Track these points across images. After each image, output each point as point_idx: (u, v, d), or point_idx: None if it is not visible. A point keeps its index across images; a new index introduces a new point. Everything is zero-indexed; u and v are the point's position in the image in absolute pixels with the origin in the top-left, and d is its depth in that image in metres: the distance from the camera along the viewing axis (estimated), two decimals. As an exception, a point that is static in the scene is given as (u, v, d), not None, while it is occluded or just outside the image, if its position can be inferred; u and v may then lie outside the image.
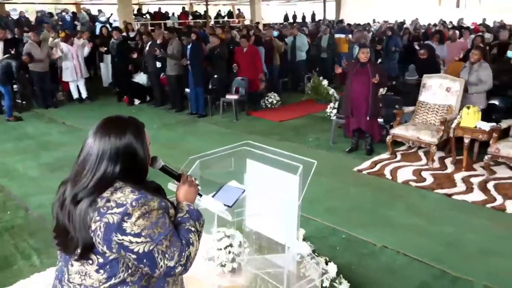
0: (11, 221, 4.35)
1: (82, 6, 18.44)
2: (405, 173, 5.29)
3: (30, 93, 9.44)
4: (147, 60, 9.05)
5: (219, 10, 24.60)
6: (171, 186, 1.90)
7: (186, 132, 7.48)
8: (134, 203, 1.37)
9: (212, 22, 19.81)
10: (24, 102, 9.50)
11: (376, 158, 5.82)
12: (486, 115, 5.50)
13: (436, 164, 5.50)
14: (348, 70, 5.97)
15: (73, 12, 18.08)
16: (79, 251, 1.42)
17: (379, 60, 10.38)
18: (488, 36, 11.30)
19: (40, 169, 5.79)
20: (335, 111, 7.22)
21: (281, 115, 8.33)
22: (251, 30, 12.09)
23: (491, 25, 16.11)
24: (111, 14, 16.63)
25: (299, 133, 7.25)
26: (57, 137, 7.33)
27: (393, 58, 10.27)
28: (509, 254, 3.62)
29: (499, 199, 4.54)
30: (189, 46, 8.03)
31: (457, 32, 9.88)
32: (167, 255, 1.40)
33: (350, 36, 11.17)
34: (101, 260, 1.42)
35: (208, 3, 21.21)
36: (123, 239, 1.36)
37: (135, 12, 18.59)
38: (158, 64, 8.71)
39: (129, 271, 1.44)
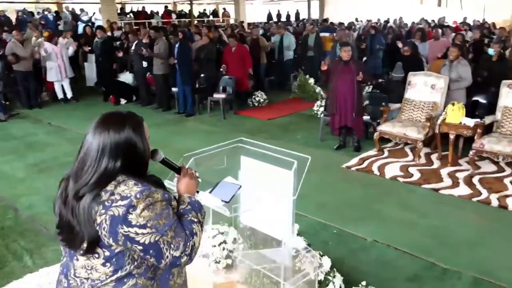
0: (1, 222, 4.30)
1: (65, 5, 18.16)
2: (393, 169, 5.39)
3: (14, 93, 9.31)
4: (134, 60, 9.00)
5: (204, 9, 24.55)
6: (166, 182, 1.93)
7: (175, 131, 7.47)
8: (138, 195, 1.39)
9: (196, 21, 19.75)
10: (7, 103, 9.35)
11: (364, 155, 5.91)
12: (470, 111, 5.64)
13: (423, 160, 5.62)
14: (331, 69, 6.05)
15: (56, 11, 17.84)
16: (85, 245, 1.43)
17: (364, 59, 10.52)
18: (470, 34, 11.51)
19: (28, 170, 5.73)
20: (322, 108, 7.30)
21: (268, 113, 8.38)
22: (236, 29, 12.12)
23: (472, 24, 16.42)
24: (94, 13, 16.46)
25: (287, 131, 7.31)
26: (43, 137, 7.26)
27: (378, 56, 10.40)
28: (495, 246, 3.73)
29: (484, 193, 4.66)
30: (177, 45, 8.01)
31: (440, 30, 10.05)
32: (172, 246, 1.43)
33: (334, 34, 11.27)
34: (107, 253, 1.44)
35: (193, 2, 21.13)
36: (129, 231, 1.38)
37: (118, 11, 18.42)
38: (145, 64, 8.66)
39: (135, 263, 1.47)
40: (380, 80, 8.15)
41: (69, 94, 9.69)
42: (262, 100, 9.02)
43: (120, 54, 9.50)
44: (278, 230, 2.64)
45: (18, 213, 4.50)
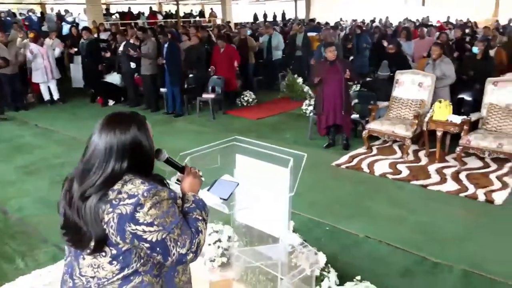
0: (-9, 225, 4.26)
1: (50, 6, 17.94)
2: (382, 166, 5.47)
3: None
4: (122, 60, 8.95)
5: (191, 10, 24.47)
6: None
7: (164, 132, 7.44)
8: (145, 194, 1.41)
9: (181, 22, 19.70)
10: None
11: (353, 152, 5.98)
12: (456, 108, 5.75)
13: (411, 157, 5.71)
14: (318, 70, 6.10)
15: (41, 13, 17.62)
16: (92, 245, 1.44)
17: (351, 58, 10.62)
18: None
19: (16, 172, 5.66)
20: (311, 108, 7.36)
21: (257, 113, 8.41)
22: (223, 30, 12.13)
23: (455, 23, 16.70)
24: (79, 14, 16.30)
25: (276, 130, 7.35)
26: (30, 139, 7.17)
27: (364, 55, 10.51)
28: (483, 240, 3.82)
29: (471, 188, 4.76)
30: (166, 45, 7.99)
31: (425, 29, 10.21)
32: (179, 243, 1.45)
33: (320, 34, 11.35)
34: (114, 251, 1.45)
35: (179, 2, 21.07)
36: (136, 229, 1.40)
37: (104, 11, 18.27)
38: (133, 65, 8.61)
39: (141, 261, 1.48)
40: (368, 79, 8.24)
41: (56, 96, 9.59)
42: (251, 100, 9.05)
43: (108, 55, 9.44)
44: (275, 227, 2.68)
45: (7, 216, 4.45)
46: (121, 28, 11.51)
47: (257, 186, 2.66)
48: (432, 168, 5.34)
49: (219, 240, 3.34)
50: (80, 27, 11.43)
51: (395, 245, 3.71)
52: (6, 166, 5.89)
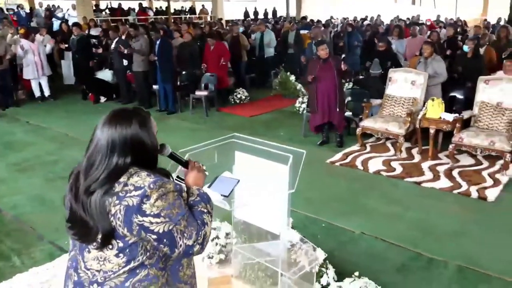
0: (-15, 223, 4.21)
1: (38, 1, 17.68)
2: (376, 164, 5.51)
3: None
4: (114, 57, 8.88)
5: (182, 7, 24.33)
6: None
7: (158, 129, 7.41)
8: (152, 185, 1.42)
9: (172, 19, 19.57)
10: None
11: (347, 150, 6.02)
12: (447, 106, 5.82)
13: (404, 154, 5.76)
14: (311, 68, 6.12)
15: (30, 8, 17.39)
16: (100, 238, 1.45)
17: (343, 56, 10.65)
18: (444, 32, 11.81)
19: (9, 170, 5.60)
20: (304, 105, 7.38)
21: (251, 110, 8.42)
22: (214, 27, 12.08)
23: (445, 21, 16.85)
24: (68, 9, 16.11)
25: (270, 127, 7.37)
26: (22, 136, 7.09)
27: (356, 53, 10.57)
28: (476, 236, 3.88)
29: (464, 185, 4.83)
30: (158, 42, 7.95)
31: (417, 28, 10.29)
32: (185, 234, 1.46)
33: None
34: (121, 244, 1.46)
35: (169, -2, 20.95)
36: (143, 220, 1.41)
37: (93, 7, 18.09)
38: (125, 62, 8.55)
39: (148, 254, 1.49)
40: (360, 77, 8.29)
41: (47, 92, 9.49)
42: (243, 97, 9.05)
43: (100, 51, 9.36)
44: (274, 223, 2.69)
45: (1, 213, 4.41)
46: (112, 24, 11.37)
47: (256, 183, 2.67)
48: (425, 166, 5.40)
49: (217, 237, 3.34)
50: (70, 23, 11.29)
51: (391, 242, 3.75)
52: (-2, 164, 5.83)
